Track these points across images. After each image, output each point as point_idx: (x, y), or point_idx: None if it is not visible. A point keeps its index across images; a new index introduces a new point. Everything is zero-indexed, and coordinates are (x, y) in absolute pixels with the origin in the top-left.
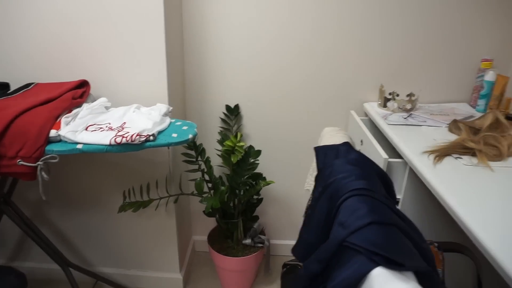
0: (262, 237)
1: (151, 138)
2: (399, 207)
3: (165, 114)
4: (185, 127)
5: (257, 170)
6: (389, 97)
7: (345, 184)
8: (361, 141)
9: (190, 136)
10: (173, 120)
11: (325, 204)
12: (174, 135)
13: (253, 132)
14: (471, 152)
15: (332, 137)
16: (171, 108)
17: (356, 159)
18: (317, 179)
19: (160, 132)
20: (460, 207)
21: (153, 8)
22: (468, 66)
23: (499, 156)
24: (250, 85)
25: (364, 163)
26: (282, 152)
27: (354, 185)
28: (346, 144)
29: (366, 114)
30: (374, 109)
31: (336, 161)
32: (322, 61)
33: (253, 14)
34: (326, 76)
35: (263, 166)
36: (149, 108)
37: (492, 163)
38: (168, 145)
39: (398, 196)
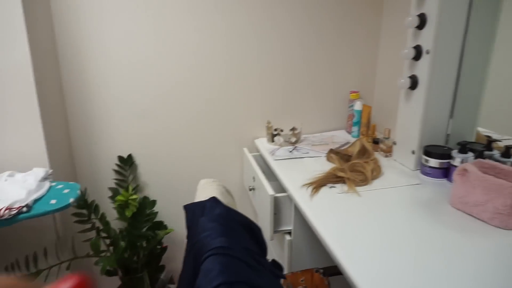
0: (171, 286)
1: (24, 209)
2: (291, 238)
3: (44, 179)
4: (66, 190)
5: (158, 218)
6: (275, 132)
7: (206, 243)
8: (253, 178)
9: (71, 200)
10: (53, 184)
11: (191, 264)
12: (53, 201)
13: (151, 180)
14: (343, 180)
15: (203, 190)
16: (51, 170)
17: (219, 215)
18: (187, 238)
19: (37, 200)
20: (326, 233)
21: (16, 47)
22: (341, 97)
23: (365, 181)
24: (142, 133)
25: (227, 217)
26: (182, 195)
27: (212, 244)
28: (212, 199)
29: (258, 151)
30: (263, 145)
31: (201, 219)
32: (213, 101)
33: (139, 57)
34: (218, 116)
35: (165, 213)
36: (24, 174)
37: (360, 188)
38: (46, 213)
39: (289, 228)
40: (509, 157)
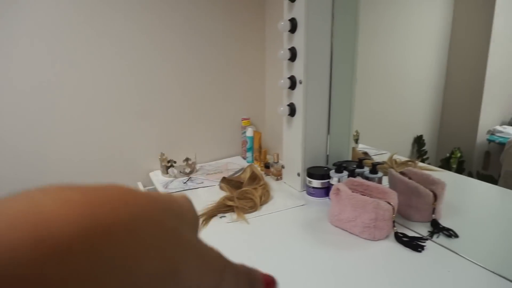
0: None
1: None
2: None
3: None
4: None
5: None
6: (169, 164)
7: None
8: None
9: None
10: None
11: None
12: None
13: None
14: (232, 209)
15: None
16: None
17: None
18: None
19: None
20: None
21: None
22: (234, 124)
23: (254, 207)
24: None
25: None
26: None
27: None
28: None
29: (153, 184)
30: (158, 177)
31: None
32: (104, 136)
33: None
34: (109, 150)
35: None
36: None
37: (249, 215)
38: None
39: None
40: (376, 173)
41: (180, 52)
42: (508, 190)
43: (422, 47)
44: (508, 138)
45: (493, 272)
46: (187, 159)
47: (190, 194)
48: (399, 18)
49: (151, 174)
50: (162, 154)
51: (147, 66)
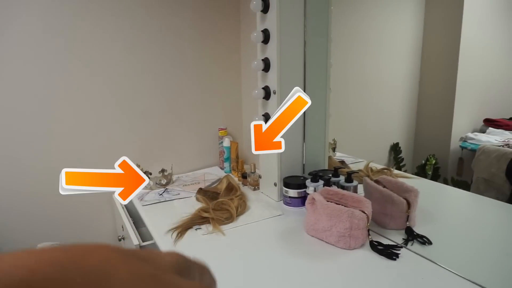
0: None
1: None
2: None
3: None
4: None
5: None
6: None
7: None
8: (122, 227)
9: None
10: None
11: None
12: None
13: None
14: (208, 221)
15: None
16: None
17: None
18: None
19: None
20: None
21: None
22: (211, 135)
23: (230, 218)
24: None
25: None
26: None
27: None
28: None
29: None
30: None
31: None
32: (78, 148)
33: None
34: (83, 163)
35: None
36: None
37: (225, 226)
38: None
39: None
40: (351, 182)
41: (155, 62)
42: (480, 196)
43: (396, 57)
44: (479, 144)
45: (466, 279)
46: (163, 170)
47: (166, 207)
48: (372, 28)
49: None
50: (138, 166)
51: (122, 76)
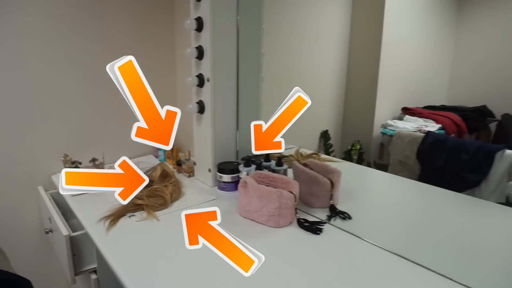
0: None
1: None
2: (97, 276)
3: None
4: None
5: None
6: (73, 165)
7: None
8: (49, 219)
9: None
10: None
11: None
12: None
13: None
14: (142, 207)
15: None
16: None
17: None
18: None
19: None
20: (120, 268)
21: None
22: None
23: (164, 204)
24: None
25: None
26: None
27: None
28: None
29: (56, 187)
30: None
31: None
32: None
33: None
34: (3, 154)
35: None
36: None
37: (160, 212)
38: None
39: (93, 266)
40: (281, 166)
41: (85, 48)
42: (396, 176)
43: (327, 51)
44: (396, 130)
45: (381, 248)
46: (93, 160)
47: (97, 196)
48: (303, 20)
49: (54, 177)
50: (66, 155)
51: (49, 62)
